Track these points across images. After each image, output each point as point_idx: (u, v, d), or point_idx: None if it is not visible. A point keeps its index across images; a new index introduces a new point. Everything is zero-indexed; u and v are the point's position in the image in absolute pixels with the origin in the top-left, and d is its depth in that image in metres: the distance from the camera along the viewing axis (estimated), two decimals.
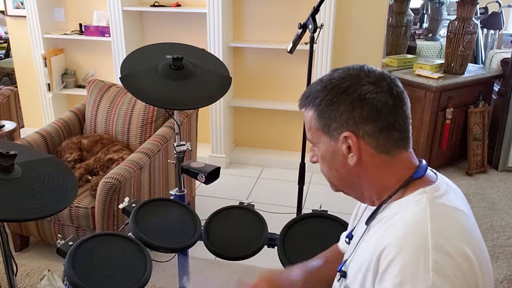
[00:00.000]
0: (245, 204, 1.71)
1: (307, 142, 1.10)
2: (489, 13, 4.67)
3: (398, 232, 0.83)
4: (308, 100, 0.95)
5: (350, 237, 1.06)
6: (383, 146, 0.90)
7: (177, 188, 1.80)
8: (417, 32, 4.96)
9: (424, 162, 0.94)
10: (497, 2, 4.53)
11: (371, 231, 0.93)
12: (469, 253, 0.80)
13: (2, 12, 4.24)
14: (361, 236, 0.97)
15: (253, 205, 1.71)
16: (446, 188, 0.91)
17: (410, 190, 0.89)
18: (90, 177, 2.49)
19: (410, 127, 0.93)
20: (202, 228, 1.59)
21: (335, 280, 1.06)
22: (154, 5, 3.59)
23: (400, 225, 0.85)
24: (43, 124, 3.73)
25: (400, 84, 0.93)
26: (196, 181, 1.73)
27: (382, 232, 0.87)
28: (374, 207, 0.95)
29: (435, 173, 0.95)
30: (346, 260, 1.01)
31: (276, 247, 1.54)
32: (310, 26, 2.00)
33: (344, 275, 0.99)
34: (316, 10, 2.00)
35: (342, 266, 1.01)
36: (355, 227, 1.07)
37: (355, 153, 0.90)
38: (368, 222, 0.95)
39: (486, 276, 0.83)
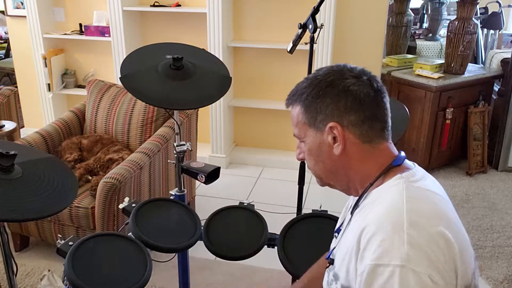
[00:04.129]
0: (245, 204, 1.71)
1: None
2: (489, 13, 4.67)
3: (377, 213, 0.89)
4: (295, 97, 1.02)
5: (338, 231, 1.09)
6: (366, 135, 0.95)
7: (177, 188, 1.79)
8: (417, 32, 4.96)
9: (402, 153, 0.99)
10: (497, 2, 4.53)
11: (354, 219, 0.98)
12: (444, 230, 0.84)
13: (2, 12, 4.25)
14: (346, 225, 1.01)
15: (253, 205, 1.71)
16: (422, 174, 0.97)
17: (389, 177, 0.95)
18: (90, 177, 2.49)
19: (390, 119, 0.98)
20: (202, 228, 1.59)
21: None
22: (154, 5, 3.59)
23: (378, 207, 0.90)
24: (43, 124, 3.74)
25: (379, 79, 0.99)
26: (196, 181, 1.73)
27: (363, 217, 0.92)
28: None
29: (413, 164, 1.00)
30: (334, 248, 1.04)
31: (276, 247, 1.54)
32: (310, 26, 1.99)
33: (332, 262, 1.03)
34: (316, 10, 1.99)
35: (330, 255, 1.05)
36: (343, 221, 1.10)
37: (341, 142, 0.95)
38: (352, 211, 1.00)
39: (465, 254, 0.86)
